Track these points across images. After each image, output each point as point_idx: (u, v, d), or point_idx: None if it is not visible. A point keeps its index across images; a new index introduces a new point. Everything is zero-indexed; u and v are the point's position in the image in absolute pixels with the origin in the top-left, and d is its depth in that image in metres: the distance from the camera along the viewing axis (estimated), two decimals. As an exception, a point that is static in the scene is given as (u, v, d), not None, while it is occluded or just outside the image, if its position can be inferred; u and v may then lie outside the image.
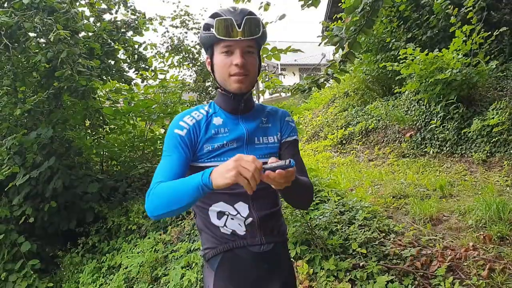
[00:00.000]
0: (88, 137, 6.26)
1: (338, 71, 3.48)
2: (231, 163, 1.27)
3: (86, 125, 6.39)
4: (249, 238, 1.63)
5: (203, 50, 1.73)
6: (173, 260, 4.32)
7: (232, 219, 1.62)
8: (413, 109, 7.59)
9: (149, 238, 4.88)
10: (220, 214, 1.62)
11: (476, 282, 2.92)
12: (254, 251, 1.63)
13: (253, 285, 1.65)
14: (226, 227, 1.62)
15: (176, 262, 4.18)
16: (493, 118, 5.73)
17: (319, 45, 3.87)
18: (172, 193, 1.41)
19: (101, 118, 6.01)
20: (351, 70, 9.73)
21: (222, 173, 1.29)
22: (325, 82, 3.69)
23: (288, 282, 1.74)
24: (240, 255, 1.62)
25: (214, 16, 1.55)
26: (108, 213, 5.65)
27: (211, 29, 1.53)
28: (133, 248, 4.89)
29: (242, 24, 1.50)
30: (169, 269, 4.19)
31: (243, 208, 1.62)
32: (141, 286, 4.20)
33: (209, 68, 1.67)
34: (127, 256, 4.75)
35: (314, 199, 4.54)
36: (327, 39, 3.38)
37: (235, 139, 1.62)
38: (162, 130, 6.72)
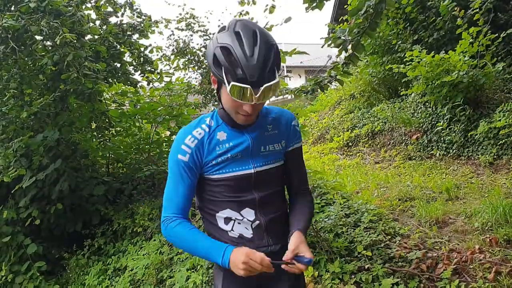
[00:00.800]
0: (94, 140, 6.29)
1: (341, 73, 3.48)
2: (241, 264, 1.45)
3: (92, 127, 6.41)
4: (256, 240, 1.66)
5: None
6: (179, 262, 4.33)
7: (239, 223, 1.65)
8: (419, 112, 7.55)
9: (154, 240, 4.89)
10: (227, 220, 1.66)
11: (482, 285, 2.90)
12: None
13: (261, 287, 1.69)
14: (233, 231, 1.66)
15: (182, 264, 4.19)
16: (500, 120, 5.67)
17: (322, 47, 3.87)
18: (192, 248, 1.62)
19: (107, 120, 6.04)
20: (357, 72, 9.70)
21: (236, 265, 1.47)
22: (328, 84, 3.68)
23: (296, 285, 1.76)
24: None
25: (227, 56, 1.41)
26: (114, 215, 5.67)
27: (223, 75, 1.41)
28: (139, 250, 4.91)
29: (260, 92, 1.41)
30: (174, 271, 4.20)
31: (249, 213, 1.65)
32: (146, 288, 4.21)
33: (214, 87, 1.61)
34: (132, 258, 4.76)
35: (320, 201, 4.54)
36: (330, 41, 3.38)
37: (240, 151, 1.63)
38: (168, 133, 6.73)
